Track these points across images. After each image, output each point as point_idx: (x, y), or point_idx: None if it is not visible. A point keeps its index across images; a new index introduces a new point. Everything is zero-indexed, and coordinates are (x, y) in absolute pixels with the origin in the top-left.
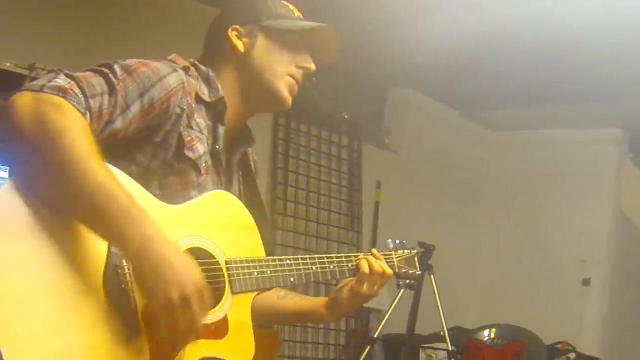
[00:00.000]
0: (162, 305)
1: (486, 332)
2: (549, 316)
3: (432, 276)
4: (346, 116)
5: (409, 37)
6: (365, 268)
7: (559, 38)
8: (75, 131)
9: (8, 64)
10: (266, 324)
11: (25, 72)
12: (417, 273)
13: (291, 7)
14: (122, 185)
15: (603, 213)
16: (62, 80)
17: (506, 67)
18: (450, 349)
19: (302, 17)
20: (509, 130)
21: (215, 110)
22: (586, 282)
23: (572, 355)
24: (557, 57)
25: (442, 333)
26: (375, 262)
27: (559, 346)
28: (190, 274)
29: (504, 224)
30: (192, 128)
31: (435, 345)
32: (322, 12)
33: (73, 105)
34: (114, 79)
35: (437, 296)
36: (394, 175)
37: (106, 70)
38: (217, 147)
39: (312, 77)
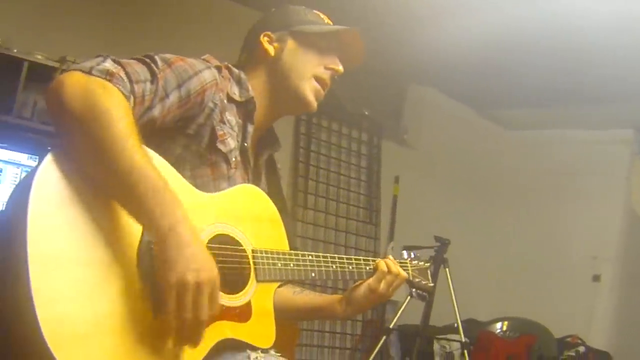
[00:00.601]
0: (176, 284)
1: (498, 325)
2: (559, 310)
3: (447, 269)
4: (366, 112)
5: (428, 38)
6: (384, 267)
7: (572, 40)
8: (118, 112)
9: (39, 57)
10: (282, 320)
11: (56, 65)
12: (430, 284)
13: (321, 15)
14: (156, 168)
15: (613, 211)
16: (109, 64)
17: (521, 68)
18: (463, 340)
19: (331, 24)
20: (523, 130)
21: (245, 109)
22: (596, 278)
23: (582, 349)
24: (570, 58)
25: (455, 325)
26: (393, 264)
27: (568, 339)
28: (209, 266)
29: (518, 220)
30: (224, 123)
31: (448, 336)
32: (345, 13)
33: (118, 88)
34: (155, 69)
35: (451, 289)
36: (412, 170)
37: (148, 60)
38: (245, 144)
39: (334, 75)
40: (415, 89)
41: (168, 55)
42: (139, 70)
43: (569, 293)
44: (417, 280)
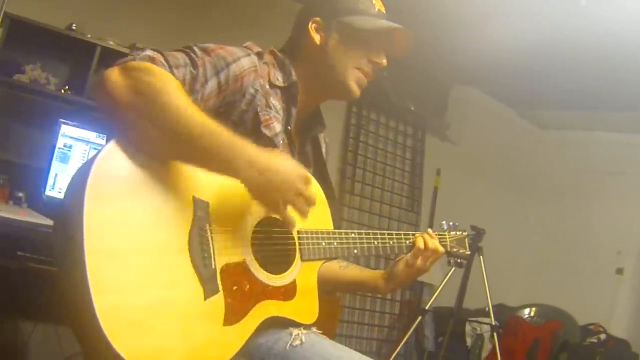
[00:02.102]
0: (283, 207)
1: (526, 310)
2: (584, 299)
3: (481, 257)
4: (412, 108)
5: (473, 40)
6: (421, 244)
7: (607, 46)
8: (172, 86)
9: (111, 43)
10: (327, 292)
11: (126, 51)
12: (467, 253)
13: (374, 0)
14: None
15: (638, 210)
16: (149, 52)
17: (558, 71)
18: (493, 323)
19: (383, 9)
20: (559, 130)
21: (288, 93)
22: (619, 271)
23: (603, 336)
24: (606, 63)
25: (486, 308)
26: (430, 239)
27: (591, 327)
28: (293, 171)
29: (549, 214)
30: (270, 107)
31: (480, 319)
32: (394, 13)
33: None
34: (194, 57)
35: (484, 275)
36: (453, 164)
37: (187, 50)
38: (289, 127)
39: (384, 71)
40: (459, 88)
41: (207, 45)
42: (179, 57)
43: (594, 284)
44: (454, 249)
